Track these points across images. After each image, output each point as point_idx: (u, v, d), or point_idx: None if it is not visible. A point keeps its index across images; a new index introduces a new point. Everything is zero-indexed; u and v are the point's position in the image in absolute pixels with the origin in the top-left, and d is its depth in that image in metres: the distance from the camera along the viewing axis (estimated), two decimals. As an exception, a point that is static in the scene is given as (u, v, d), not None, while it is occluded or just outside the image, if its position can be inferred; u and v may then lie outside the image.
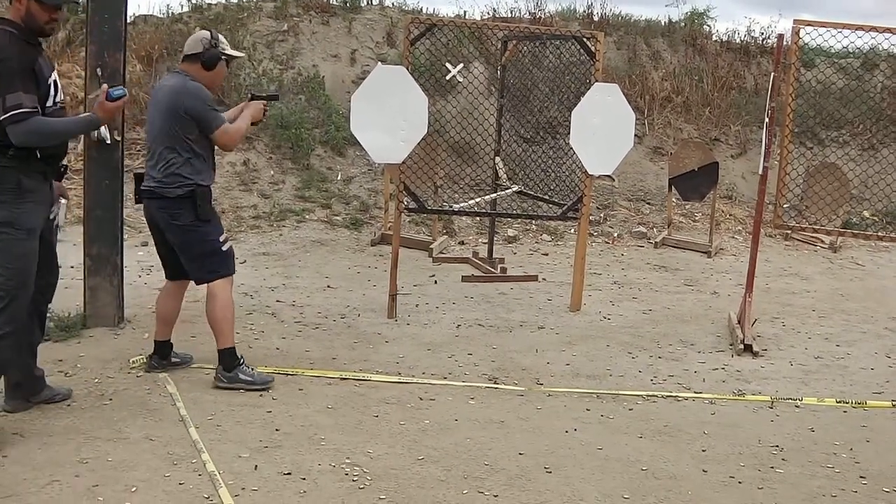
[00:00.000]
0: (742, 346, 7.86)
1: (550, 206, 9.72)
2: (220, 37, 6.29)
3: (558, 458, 5.38)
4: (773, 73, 8.39)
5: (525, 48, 10.58)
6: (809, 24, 8.26)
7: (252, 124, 6.60)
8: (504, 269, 10.18)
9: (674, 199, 13.32)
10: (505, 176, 10.00)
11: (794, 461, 5.56)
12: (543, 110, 10.98)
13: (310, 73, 14.01)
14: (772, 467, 5.44)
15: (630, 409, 6.33)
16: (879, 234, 11.05)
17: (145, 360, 6.59)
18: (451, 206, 9.38)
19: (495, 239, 10.82)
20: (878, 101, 17.10)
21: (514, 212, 10.35)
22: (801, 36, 8.28)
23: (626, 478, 5.15)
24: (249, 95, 6.76)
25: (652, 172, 15.00)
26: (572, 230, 12.47)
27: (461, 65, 8.72)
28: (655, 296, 9.98)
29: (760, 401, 6.64)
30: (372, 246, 11.30)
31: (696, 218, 14.16)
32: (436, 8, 27.35)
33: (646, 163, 15.07)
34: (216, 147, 6.30)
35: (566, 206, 8.95)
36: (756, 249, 8.53)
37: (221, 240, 6.29)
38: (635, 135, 9.94)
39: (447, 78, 8.65)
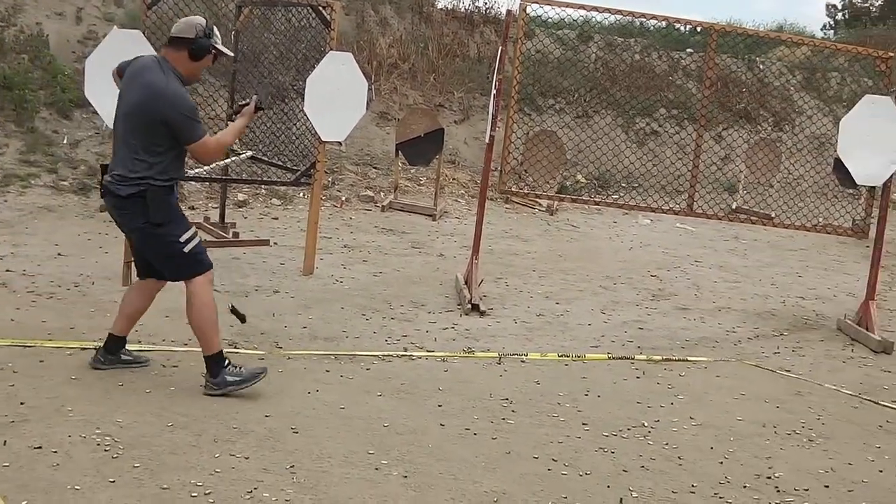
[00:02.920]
0: (470, 306, 8.28)
1: (282, 171, 9.84)
2: (215, 29, 5.86)
3: (304, 418, 5.57)
4: (500, 48, 8.81)
5: (256, 14, 10.63)
6: (535, 1, 8.71)
7: None
8: (236, 234, 10.24)
9: (400, 164, 13.68)
10: (237, 141, 10.05)
11: (523, 412, 5.97)
12: (272, 75, 11.03)
13: (33, 30, 13.54)
14: (503, 419, 5.82)
15: (367, 369, 6.59)
16: (596, 199, 11.76)
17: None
18: (185, 173, 9.34)
19: (226, 203, 10.85)
20: (592, 70, 18.01)
21: (247, 177, 10.42)
22: (527, 12, 8.74)
23: (369, 434, 5.40)
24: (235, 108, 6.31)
25: (379, 137, 15.34)
26: (301, 194, 12.66)
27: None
28: (385, 258, 10.31)
29: (489, 357, 7.05)
30: (101, 212, 11.07)
31: (422, 182, 14.60)
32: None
33: (373, 128, 15.36)
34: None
35: (299, 172, 9.10)
36: (482, 214, 8.96)
37: (183, 240, 5.78)
38: (362, 100, 10.12)
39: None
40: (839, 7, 54.37)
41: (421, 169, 14.47)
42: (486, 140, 8.81)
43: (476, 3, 20.09)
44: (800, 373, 7.50)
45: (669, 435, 5.80)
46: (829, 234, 9.87)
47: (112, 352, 6.13)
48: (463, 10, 19.78)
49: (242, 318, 6.32)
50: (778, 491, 5.13)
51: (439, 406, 5.96)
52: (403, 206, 13.17)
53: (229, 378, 5.85)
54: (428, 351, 7.15)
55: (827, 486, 5.26)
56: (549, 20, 10.32)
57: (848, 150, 8.80)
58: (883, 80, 9.12)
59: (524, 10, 8.63)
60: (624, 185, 15.47)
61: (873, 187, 9.28)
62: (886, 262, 13.15)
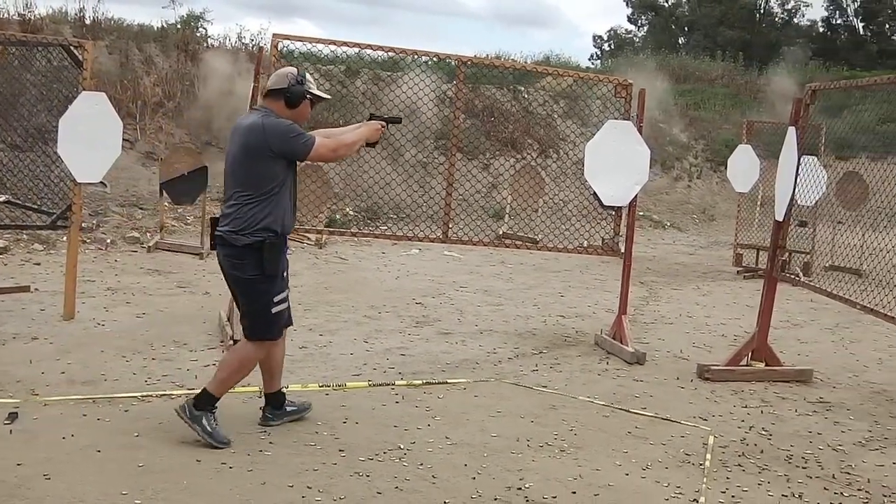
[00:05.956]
0: (231, 342, 8.26)
1: (41, 214, 9.62)
2: (308, 75, 6.06)
3: (56, 464, 5.47)
4: (253, 84, 8.87)
5: (15, 52, 10.41)
6: (286, 37, 8.82)
7: (368, 145, 6.30)
8: (-7, 282, 9.99)
9: (166, 204, 13.56)
10: (-9, 187, 9.81)
11: (281, 443, 6.02)
12: (33, 116, 10.82)
13: None
14: (261, 451, 5.86)
15: (126, 411, 6.50)
16: (354, 230, 11.94)
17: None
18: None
19: (-17, 251, 10.56)
20: (360, 105, 18.24)
21: (3, 222, 10.16)
22: (279, 49, 8.82)
23: (123, 475, 5.34)
24: (369, 115, 6.49)
25: (144, 178, 15.17)
26: (64, 238, 12.38)
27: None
28: (149, 299, 10.20)
29: (250, 391, 7.01)
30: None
31: (189, 221, 14.50)
32: None
33: (138, 168, 15.20)
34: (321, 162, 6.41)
35: (55, 215, 8.95)
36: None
37: (276, 300, 6.01)
38: (127, 140, 10.03)
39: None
40: (605, 38, 56.77)
41: (188, 208, 14.38)
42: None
43: (243, 40, 20.12)
44: (556, 388, 7.78)
45: (425, 455, 5.95)
46: (581, 253, 10.24)
47: (277, 406, 6.42)
48: (230, 46, 19.77)
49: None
50: (527, 500, 5.34)
51: (197, 441, 5.95)
52: (170, 246, 13.07)
53: (205, 422, 5.97)
54: (188, 389, 7.08)
55: (574, 493, 5.50)
56: (321, 56, 10.41)
57: (594, 173, 9.17)
58: (626, 106, 9.55)
59: (275, 45, 8.72)
60: (393, 216, 15.70)
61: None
62: (646, 278, 13.86)
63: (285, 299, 6.15)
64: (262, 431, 6.20)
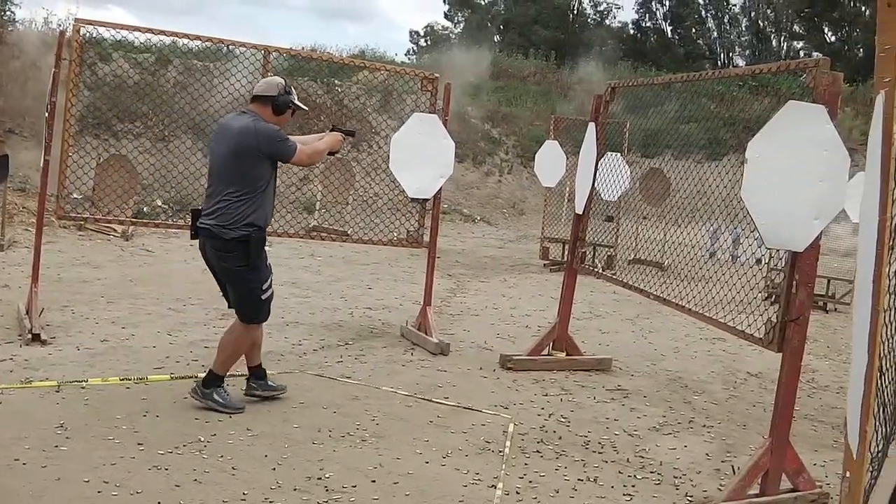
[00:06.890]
0: (30, 336, 8.07)
1: None
2: (291, 87, 6.65)
3: None
4: (53, 69, 8.67)
5: None
6: (89, 22, 8.68)
7: (330, 153, 7.08)
8: None
9: (-37, 195, 13.13)
10: None
11: (78, 438, 5.90)
12: None
13: None
14: (56, 446, 5.73)
15: None
16: (168, 221, 11.78)
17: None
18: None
19: None
20: (170, 94, 17.98)
21: None
22: (81, 34, 8.64)
23: None
24: (331, 127, 7.27)
25: (-59, 167, 14.59)
26: None
27: None
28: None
29: (48, 386, 6.88)
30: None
31: (-11, 212, 14.04)
32: None
33: (-66, 157, 14.59)
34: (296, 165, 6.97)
35: None
36: (40, 241, 8.85)
37: (264, 287, 6.60)
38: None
39: None
40: (421, 34, 57.20)
41: (-12, 198, 13.94)
42: (41, 165, 8.67)
43: (50, 25, 19.57)
44: (360, 378, 7.87)
45: (225, 447, 5.94)
46: (388, 245, 10.29)
47: (260, 377, 7.03)
48: (36, 31, 19.22)
49: None
50: (327, 490, 5.40)
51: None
52: (-32, 239, 12.66)
53: (216, 396, 6.65)
54: (-17, 385, 6.91)
55: (374, 481, 5.59)
56: (130, 43, 10.23)
57: (399, 166, 9.25)
58: (431, 100, 9.67)
59: (77, 30, 8.54)
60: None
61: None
62: (454, 270, 14.09)
63: (271, 286, 6.73)
64: (59, 427, 6.06)
